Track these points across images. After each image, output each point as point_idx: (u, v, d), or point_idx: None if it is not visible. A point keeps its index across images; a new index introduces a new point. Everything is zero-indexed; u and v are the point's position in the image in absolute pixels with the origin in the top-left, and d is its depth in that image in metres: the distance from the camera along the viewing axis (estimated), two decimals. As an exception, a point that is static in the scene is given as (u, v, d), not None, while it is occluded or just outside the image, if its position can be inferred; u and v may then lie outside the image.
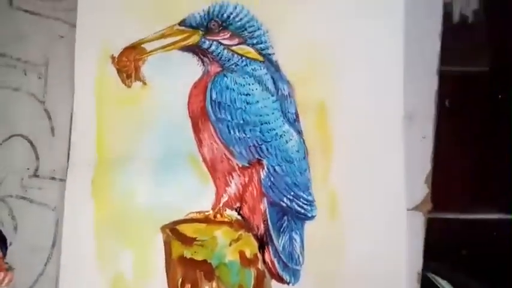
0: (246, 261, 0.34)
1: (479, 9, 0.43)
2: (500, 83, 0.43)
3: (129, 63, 0.35)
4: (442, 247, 0.39)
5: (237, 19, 0.35)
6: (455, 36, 0.43)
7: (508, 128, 0.43)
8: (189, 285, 0.34)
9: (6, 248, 0.35)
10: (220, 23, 0.35)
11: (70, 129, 0.36)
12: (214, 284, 0.34)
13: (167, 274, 0.34)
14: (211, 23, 0.35)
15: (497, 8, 0.44)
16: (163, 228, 0.35)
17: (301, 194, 0.35)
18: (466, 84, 0.43)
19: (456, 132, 0.41)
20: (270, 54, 0.35)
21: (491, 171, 0.41)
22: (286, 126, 0.35)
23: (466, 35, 0.43)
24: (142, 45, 0.35)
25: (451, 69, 0.42)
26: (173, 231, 0.34)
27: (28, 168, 0.36)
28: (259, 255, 0.35)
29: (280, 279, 0.35)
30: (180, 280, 0.34)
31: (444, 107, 0.41)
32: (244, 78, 0.35)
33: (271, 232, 0.35)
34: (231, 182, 0.35)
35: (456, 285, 0.67)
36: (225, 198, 0.35)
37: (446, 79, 0.41)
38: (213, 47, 0.35)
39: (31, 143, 0.36)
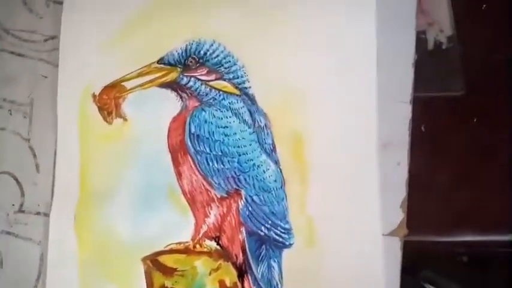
0: None
1: (453, 36, 0.45)
2: (475, 106, 0.44)
3: (109, 101, 0.36)
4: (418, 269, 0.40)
5: (213, 55, 0.37)
6: (430, 62, 0.44)
7: (482, 151, 0.44)
8: None
9: None
10: (197, 59, 0.36)
11: (54, 165, 0.37)
12: (195, 313, 0.35)
13: None
14: (189, 60, 0.36)
15: (471, 34, 0.46)
16: (144, 260, 0.35)
17: (279, 222, 0.36)
18: (442, 109, 0.44)
19: (431, 157, 0.43)
20: (246, 88, 0.37)
21: (467, 194, 0.43)
22: (264, 157, 0.36)
23: (441, 60, 0.45)
24: (122, 84, 0.37)
25: (426, 95, 0.43)
26: (154, 262, 0.35)
27: (13, 204, 0.37)
28: (238, 284, 0.35)
29: None
30: (162, 310, 0.35)
31: (420, 132, 0.43)
32: (221, 111, 0.36)
33: (250, 261, 0.36)
34: (210, 212, 0.36)
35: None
36: (204, 229, 0.36)
37: (422, 104, 0.42)
38: (191, 83, 0.36)
39: (16, 179, 0.37)
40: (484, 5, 0.46)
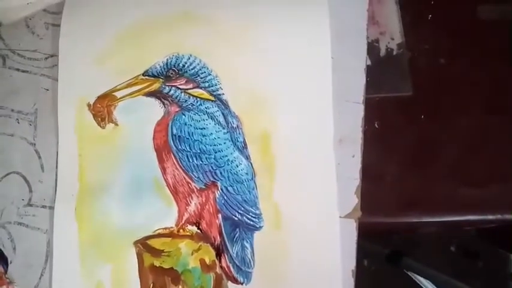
0: (206, 267, 0.40)
1: (402, 43, 0.50)
2: (422, 105, 0.49)
3: (102, 109, 0.41)
4: (371, 247, 0.45)
5: (190, 67, 0.41)
6: (382, 67, 0.50)
7: (429, 144, 0.49)
8: None
9: (7, 266, 0.40)
10: (177, 71, 0.41)
11: (56, 165, 0.41)
12: (180, 287, 0.39)
13: (140, 281, 0.39)
14: (170, 72, 0.41)
15: (418, 41, 0.51)
16: (135, 243, 0.40)
17: (250, 209, 0.40)
18: (393, 108, 0.49)
19: (384, 150, 0.48)
20: (220, 95, 0.41)
21: (414, 182, 0.48)
22: (236, 153, 0.40)
23: (392, 65, 0.50)
24: (113, 94, 0.41)
25: (379, 96, 0.49)
26: (144, 245, 0.39)
27: (23, 199, 0.41)
28: (216, 262, 0.40)
29: (235, 281, 0.39)
30: (152, 285, 0.39)
31: (373, 128, 0.48)
32: (199, 115, 0.40)
33: (226, 242, 0.40)
34: (191, 202, 0.40)
35: (435, 281, 0.73)
36: (186, 216, 0.40)
37: (375, 104, 0.47)
38: (172, 92, 0.41)
39: (25, 178, 0.41)
40: (430, 15, 0.51)
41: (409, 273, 0.74)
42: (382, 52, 0.49)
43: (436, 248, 0.91)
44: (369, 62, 0.44)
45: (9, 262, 0.40)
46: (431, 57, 0.49)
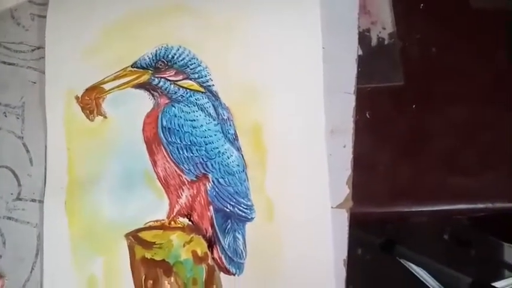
0: (198, 259, 0.40)
1: (394, 32, 0.50)
2: (414, 95, 0.50)
3: (91, 101, 0.40)
4: (364, 236, 0.45)
5: (180, 58, 0.41)
6: (374, 57, 0.49)
7: (420, 133, 0.50)
8: (151, 281, 0.39)
9: None
10: (166, 62, 0.41)
11: (45, 159, 0.41)
12: (172, 279, 0.40)
13: (132, 273, 0.39)
14: (159, 63, 0.40)
15: (409, 30, 0.51)
16: (127, 236, 0.40)
17: (242, 200, 0.40)
18: (385, 97, 0.49)
19: (375, 140, 0.48)
20: (210, 86, 0.41)
21: (405, 172, 0.48)
22: (227, 145, 0.40)
23: (383, 55, 0.50)
24: (101, 86, 0.40)
25: (371, 85, 0.49)
26: (135, 238, 0.40)
27: (12, 193, 0.41)
28: (208, 253, 0.40)
29: (228, 272, 0.40)
30: (144, 277, 0.39)
31: (365, 118, 0.48)
32: (189, 107, 0.40)
33: (218, 233, 0.40)
34: (182, 194, 0.40)
35: (428, 269, 0.74)
36: (177, 208, 0.40)
37: (367, 94, 0.47)
38: (161, 83, 0.40)
39: (13, 172, 0.41)
40: (422, 4, 0.51)
41: (402, 261, 0.75)
42: (374, 42, 0.49)
43: (429, 237, 0.92)
44: (360, 52, 0.44)
45: (-1, 256, 0.40)
46: (423, 47, 0.49)
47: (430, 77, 0.49)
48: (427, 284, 0.76)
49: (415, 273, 0.76)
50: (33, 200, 0.41)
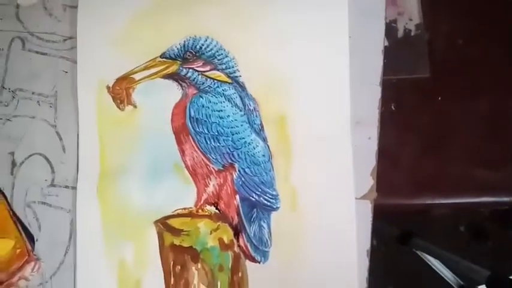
0: (224, 246, 0.41)
1: (421, 23, 0.50)
2: (440, 86, 0.50)
3: (121, 91, 0.41)
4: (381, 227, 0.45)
5: (208, 49, 0.41)
6: (400, 48, 0.49)
7: (445, 125, 0.49)
8: (179, 267, 0.40)
9: (34, 243, 0.41)
10: (194, 53, 0.41)
11: (77, 146, 0.42)
12: (199, 265, 0.41)
13: (161, 259, 0.41)
14: (187, 54, 0.41)
15: (436, 22, 0.50)
16: (156, 223, 0.41)
17: (267, 190, 0.41)
18: (410, 89, 0.49)
19: (400, 132, 0.48)
20: (237, 77, 0.41)
21: (430, 164, 0.48)
22: (253, 135, 0.41)
23: (410, 46, 0.50)
24: (131, 76, 0.41)
25: (396, 77, 0.48)
26: (164, 225, 0.41)
27: (46, 180, 0.42)
28: (234, 241, 0.41)
29: (253, 259, 0.40)
30: (172, 263, 0.40)
31: (390, 110, 0.48)
32: (216, 97, 0.41)
33: (244, 222, 0.41)
34: (209, 183, 0.41)
35: (444, 261, 0.74)
36: (204, 197, 0.41)
37: (392, 86, 0.47)
38: (189, 74, 0.41)
39: (47, 159, 0.42)
40: None
41: (418, 252, 0.75)
42: (400, 33, 0.49)
43: (445, 228, 0.92)
44: (386, 43, 0.43)
45: (35, 240, 0.41)
46: (450, 39, 0.49)
47: (456, 69, 0.48)
48: (443, 276, 0.76)
49: (431, 265, 0.76)
50: (66, 187, 0.42)
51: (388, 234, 0.77)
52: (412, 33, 0.49)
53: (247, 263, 0.41)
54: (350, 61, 0.41)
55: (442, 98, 0.48)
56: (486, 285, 0.60)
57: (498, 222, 0.79)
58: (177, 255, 0.41)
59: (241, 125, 0.40)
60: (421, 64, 0.48)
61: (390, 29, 0.48)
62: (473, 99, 0.47)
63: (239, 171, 0.41)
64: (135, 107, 0.41)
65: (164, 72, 0.41)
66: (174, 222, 0.41)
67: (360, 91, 0.41)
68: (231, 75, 0.41)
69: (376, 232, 0.40)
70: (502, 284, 0.58)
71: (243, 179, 0.41)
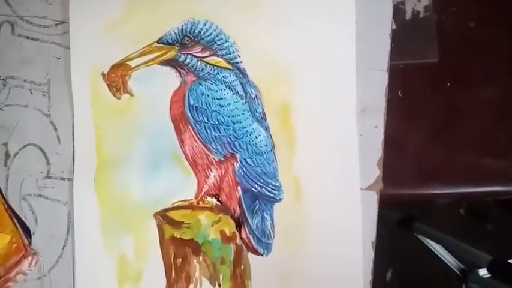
0: (226, 239, 0.40)
1: (430, 5, 0.47)
2: (449, 72, 0.48)
3: (117, 78, 0.39)
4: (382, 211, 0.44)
5: (207, 34, 0.39)
6: (408, 31, 0.47)
7: (454, 112, 0.48)
8: (180, 260, 0.40)
9: (31, 237, 0.40)
10: (192, 38, 0.39)
11: (73, 137, 0.40)
12: (201, 258, 0.40)
13: (162, 252, 0.40)
14: (185, 39, 0.39)
15: (446, 3, 0.48)
16: (155, 215, 0.40)
17: (270, 181, 0.40)
18: (418, 75, 0.47)
19: (407, 120, 0.47)
20: (237, 63, 0.39)
21: (439, 152, 0.47)
22: (255, 125, 0.39)
23: (418, 29, 0.47)
24: (127, 63, 0.39)
25: (404, 62, 0.47)
26: (164, 217, 0.40)
27: (41, 171, 0.41)
28: (236, 233, 0.40)
29: (256, 252, 0.40)
30: (173, 256, 0.40)
31: (397, 96, 0.46)
32: (216, 85, 0.39)
33: (246, 214, 0.40)
34: (210, 174, 0.40)
35: (445, 245, 0.74)
36: (205, 188, 0.40)
37: (399, 71, 0.45)
38: (188, 60, 0.39)
39: (42, 150, 0.41)
40: None
41: (419, 236, 0.75)
42: (408, 15, 0.47)
43: (445, 211, 0.92)
44: (394, 26, 0.41)
45: (32, 233, 0.40)
46: (460, 21, 0.46)
47: (466, 53, 0.46)
48: (444, 260, 0.76)
49: (433, 249, 0.76)
50: (62, 178, 0.41)
51: (389, 219, 0.77)
52: (421, 15, 0.47)
53: (250, 255, 0.40)
54: (356, 45, 0.39)
55: (451, 84, 0.46)
56: (487, 269, 0.60)
57: (497, 204, 0.79)
58: (178, 248, 0.40)
59: (243, 114, 0.39)
60: (430, 48, 0.46)
61: (398, 11, 0.45)
62: (484, 85, 0.46)
63: (241, 161, 0.39)
64: (131, 95, 0.40)
65: (161, 58, 0.39)
66: (175, 215, 0.40)
67: (366, 77, 0.40)
68: (232, 61, 0.39)
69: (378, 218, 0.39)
70: (503, 268, 0.58)
71: (244, 169, 0.39)
